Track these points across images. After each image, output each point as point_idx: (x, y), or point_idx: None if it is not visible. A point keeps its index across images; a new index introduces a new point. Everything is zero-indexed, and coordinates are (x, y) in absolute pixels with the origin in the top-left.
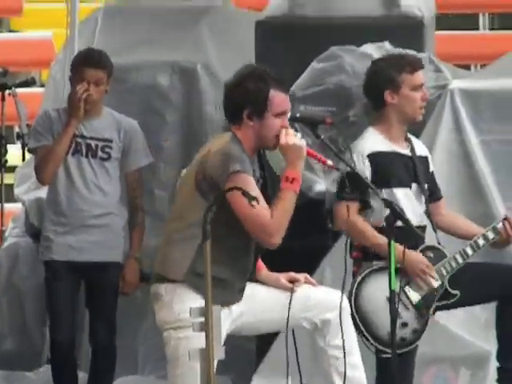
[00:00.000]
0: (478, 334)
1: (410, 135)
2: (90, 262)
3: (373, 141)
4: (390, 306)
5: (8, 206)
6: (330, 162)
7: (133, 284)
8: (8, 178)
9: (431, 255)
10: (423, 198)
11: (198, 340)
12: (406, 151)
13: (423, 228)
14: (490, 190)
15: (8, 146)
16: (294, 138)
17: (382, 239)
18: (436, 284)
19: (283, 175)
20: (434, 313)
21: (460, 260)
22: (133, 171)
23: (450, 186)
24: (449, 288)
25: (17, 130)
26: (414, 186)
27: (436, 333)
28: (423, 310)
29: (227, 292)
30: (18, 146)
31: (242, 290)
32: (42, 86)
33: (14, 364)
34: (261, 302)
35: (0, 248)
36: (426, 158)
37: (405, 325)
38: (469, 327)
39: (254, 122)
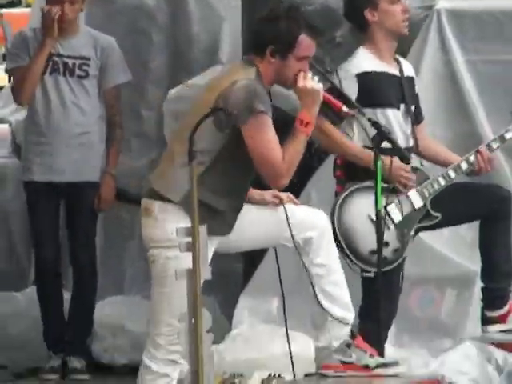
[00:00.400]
0: (464, 254)
1: (397, 56)
2: (69, 182)
3: (363, 60)
4: (376, 225)
5: None
6: (345, 109)
7: (108, 201)
8: None
9: (414, 177)
10: (410, 120)
11: (186, 260)
12: (396, 71)
13: (410, 149)
14: (476, 109)
15: None
16: (311, 81)
17: (355, 148)
18: (418, 204)
19: (297, 118)
20: (415, 233)
21: (442, 182)
22: (111, 88)
23: (437, 105)
24: (431, 210)
25: (3, 50)
26: (402, 106)
27: (422, 253)
28: (404, 230)
29: (218, 223)
30: (3, 66)
31: (233, 224)
32: (28, 6)
33: (1, 284)
34: (249, 220)
35: None
36: (412, 79)
37: (386, 244)
38: (455, 247)
39: (275, 60)
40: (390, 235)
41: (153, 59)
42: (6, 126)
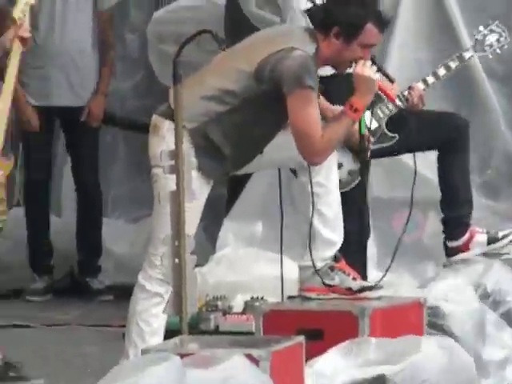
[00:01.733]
0: None
1: None
2: (66, 106)
3: None
4: (359, 148)
5: None
6: (398, 102)
7: (97, 117)
8: None
9: None
10: None
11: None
12: None
13: None
14: (459, 27)
15: None
16: (369, 69)
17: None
18: (373, 126)
19: (348, 101)
20: (371, 156)
21: (397, 102)
22: (105, 10)
23: (418, 21)
24: (387, 130)
25: None
26: None
27: (406, 177)
28: (359, 152)
29: (216, 167)
30: None
31: (227, 174)
32: None
33: None
34: (274, 144)
35: None
36: None
37: (340, 165)
38: None
39: (338, 42)
40: (343, 157)
41: None
42: None
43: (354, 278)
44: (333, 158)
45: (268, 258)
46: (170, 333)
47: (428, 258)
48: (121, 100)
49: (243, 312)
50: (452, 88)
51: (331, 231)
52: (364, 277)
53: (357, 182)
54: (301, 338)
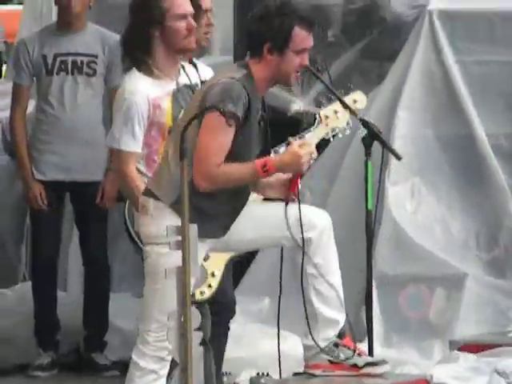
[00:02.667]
0: (455, 255)
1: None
2: (76, 181)
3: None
4: (366, 223)
5: None
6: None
7: (112, 198)
8: None
9: None
10: None
11: (178, 258)
12: None
13: None
14: (468, 109)
15: None
16: (305, 152)
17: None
18: None
19: (266, 158)
20: None
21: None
22: (116, 87)
23: (427, 105)
24: None
25: None
26: None
27: (412, 253)
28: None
29: (210, 226)
30: None
31: (227, 227)
32: (20, 3)
33: None
34: (250, 221)
35: None
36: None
37: None
38: (446, 247)
39: (273, 57)
40: None
41: None
42: None
43: (359, 354)
44: (328, 237)
45: (274, 335)
46: None
47: (434, 335)
48: None
49: None
50: (459, 165)
51: (333, 310)
52: (370, 352)
53: None
54: None
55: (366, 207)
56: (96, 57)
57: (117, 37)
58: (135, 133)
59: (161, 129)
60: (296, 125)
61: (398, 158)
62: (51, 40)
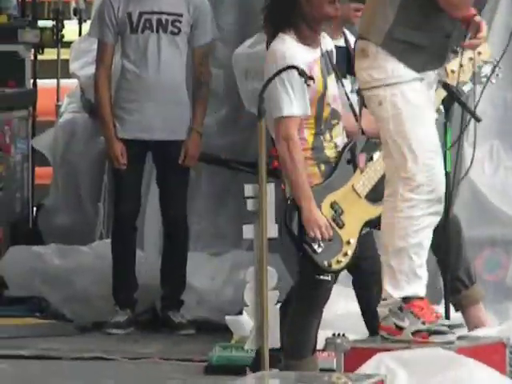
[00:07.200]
0: None
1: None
2: (159, 140)
3: None
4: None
5: (64, 82)
6: None
7: (194, 157)
8: (64, 54)
9: None
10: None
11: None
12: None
13: None
14: None
15: (65, 21)
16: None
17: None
18: None
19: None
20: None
21: None
22: (200, 46)
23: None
24: None
25: (74, 5)
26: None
27: (490, 216)
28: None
29: (425, 58)
30: (75, 21)
31: (444, 55)
32: None
33: (69, 238)
34: None
35: (56, 123)
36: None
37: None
38: None
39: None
40: None
41: (223, 17)
42: (75, 81)
43: (423, 323)
44: None
45: (350, 295)
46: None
47: (510, 298)
48: (205, 135)
49: (324, 349)
50: None
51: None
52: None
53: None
54: (382, 376)
55: (445, 169)
56: (181, 16)
57: None
58: (303, 97)
59: (313, 95)
60: None
61: (478, 119)
62: None
